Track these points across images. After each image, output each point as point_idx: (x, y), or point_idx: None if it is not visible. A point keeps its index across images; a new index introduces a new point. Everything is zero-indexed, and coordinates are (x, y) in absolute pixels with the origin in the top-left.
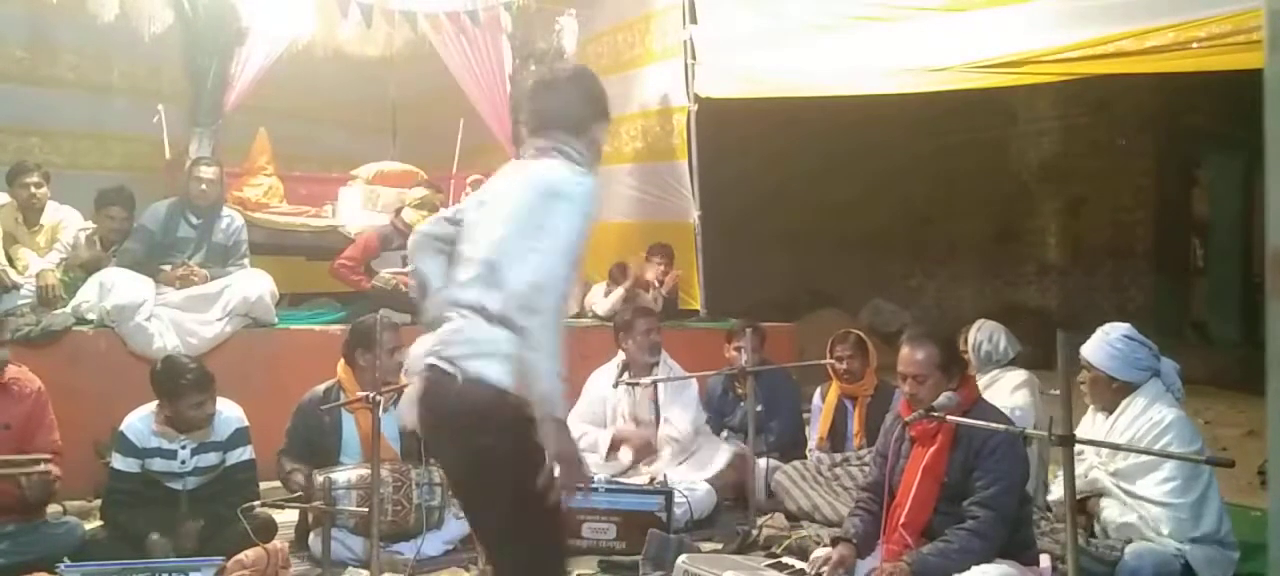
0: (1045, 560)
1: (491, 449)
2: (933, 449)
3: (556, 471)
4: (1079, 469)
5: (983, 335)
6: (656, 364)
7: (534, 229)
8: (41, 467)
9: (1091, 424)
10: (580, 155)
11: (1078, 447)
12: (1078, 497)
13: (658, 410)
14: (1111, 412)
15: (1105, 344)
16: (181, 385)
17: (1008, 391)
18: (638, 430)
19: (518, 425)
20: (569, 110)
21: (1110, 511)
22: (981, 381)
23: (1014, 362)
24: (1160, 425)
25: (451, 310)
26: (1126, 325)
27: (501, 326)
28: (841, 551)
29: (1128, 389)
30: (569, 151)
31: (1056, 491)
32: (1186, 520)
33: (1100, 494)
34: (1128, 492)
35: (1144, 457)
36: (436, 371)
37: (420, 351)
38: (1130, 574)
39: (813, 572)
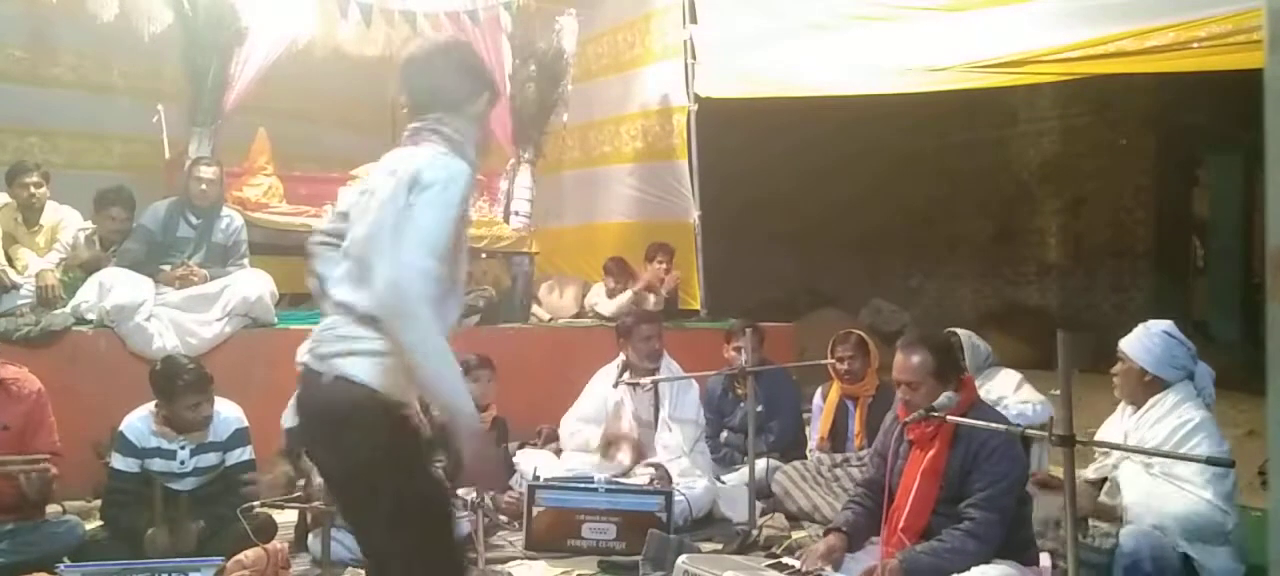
0: (1045, 558)
1: (358, 450)
2: (931, 452)
3: (473, 478)
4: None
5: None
6: (655, 369)
7: (397, 224)
8: (41, 465)
9: (1120, 418)
10: (459, 133)
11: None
12: (1096, 479)
13: (657, 409)
14: (1140, 407)
15: (1145, 337)
16: (178, 386)
17: (1011, 389)
18: (625, 430)
19: (387, 426)
20: (445, 86)
21: (1131, 492)
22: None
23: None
24: (1189, 424)
25: (328, 307)
26: (1168, 322)
27: (370, 326)
28: (831, 540)
29: (1159, 385)
30: (446, 132)
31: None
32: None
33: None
34: (1165, 473)
35: (1178, 446)
36: (306, 370)
37: (303, 346)
38: (1129, 560)
39: (803, 565)
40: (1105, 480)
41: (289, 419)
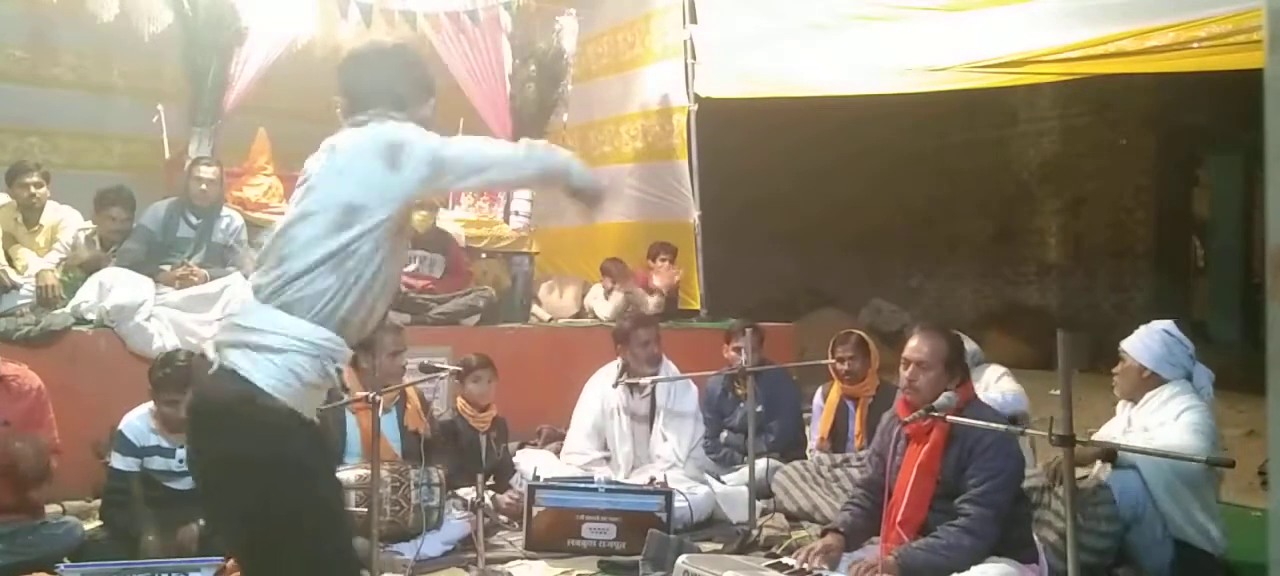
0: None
1: (231, 455)
2: (927, 447)
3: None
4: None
5: None
6: (655, 373)
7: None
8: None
9: (1119, 419)
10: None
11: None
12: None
13: (654, 409)
14: (1136, 402)
15: (1145, 335)
16: (169, 379)
17: (993, 381)
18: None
19: (267, 433)
20: (392, 86)
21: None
22: None
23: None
24: (1186, 410)
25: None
26: (1169, 321)
27: (280, 314)
28: (829, 540)
29: (1156, 381)
30: (394, 120)
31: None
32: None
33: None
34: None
35: (1166, 421)
36: (202, 361)
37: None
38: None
39: (800, 563)
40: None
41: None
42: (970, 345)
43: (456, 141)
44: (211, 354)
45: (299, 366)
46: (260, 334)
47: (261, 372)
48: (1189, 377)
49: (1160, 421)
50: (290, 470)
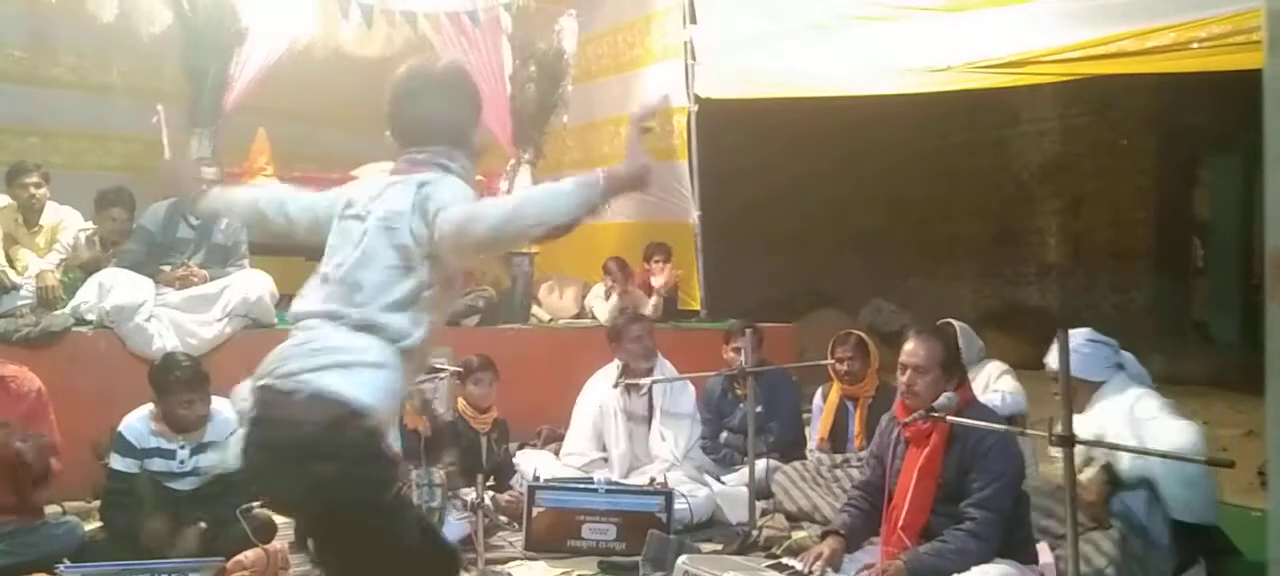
0: (1044, 552)
1: (331, 477)
2: (927, 450)
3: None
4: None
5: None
6: (650, 370)
7: (403, 246)
8: (41, 441)
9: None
10: (464, 171)
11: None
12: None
13: (651, 410)
14: (1083, 412)
15: (1075, 351)
16: (171, 380)
17: (994, 379)
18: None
19: (367, 451)
20: (448, 120)
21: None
22: None
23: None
24: (1145, 405)
25: (296, 325)
26: (1087, 329)
27: (367, 334)
28: (831, 544)
29: (1095, 386)
30: (455, 169)
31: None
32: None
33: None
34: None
35: (1154, 420)
36: (267, 392)
37: (244, 386)
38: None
39: (805, 568)
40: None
41: (232, 458)
42: (975, 339)
43: (491, 203)
44: (284, 386)
45: (394, 382)
46: (351, 353)
47: (362, 389)
48: (1121, 368)
49: (1122, 415)
50: (390, 490)
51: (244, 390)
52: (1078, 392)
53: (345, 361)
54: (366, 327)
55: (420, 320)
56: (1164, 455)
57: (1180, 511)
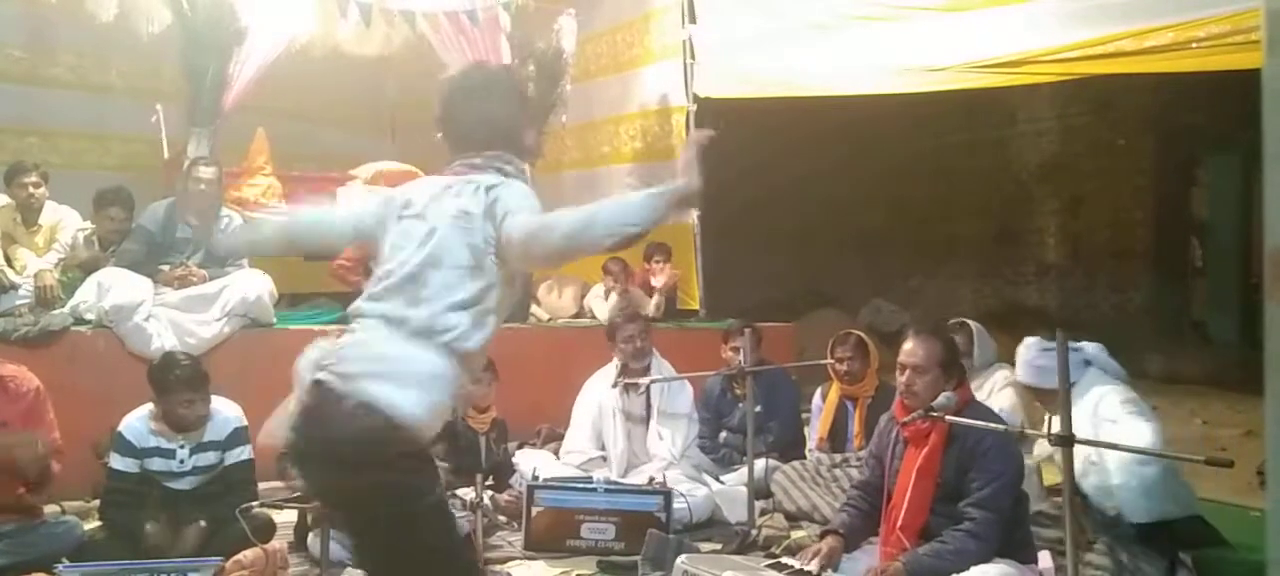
0: (1045, 558)
1: (367, 485)
2: (926, 450)
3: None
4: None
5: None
6: (645, 369)
7: (476, 244)
8: (38, 448)
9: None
10: (519, 173)
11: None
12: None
13: (649, 409)
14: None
15: (1030, 364)
16: (171, 380)
17: (997, 389)
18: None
19: (409, 462)
20: (508, 122)
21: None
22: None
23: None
24: (1109, 405)
25: (356, 321)
26: (1034, 338)
27: (423, 342)
28: (830, 543)
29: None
30: (508, 170)
31: None
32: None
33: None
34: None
35: (1114, 422)
36: (322, 388)
37: (308, 362)
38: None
39: (802, 565)
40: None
41: (282, 431)
42: (990, 344)
43: (565, 213)
44: (338, 387)
45: (441, 400)
46: (406, 365)
47: (410, 402)
48: (1088, 364)
49: (1087, 413)
50: (430, 497)
51: (308, 361)
52: (1048, 399)
53: (398, 371)
54: (426, 332)
55: (483, 322)
56: (1162, 455)
57: (1135, 513)
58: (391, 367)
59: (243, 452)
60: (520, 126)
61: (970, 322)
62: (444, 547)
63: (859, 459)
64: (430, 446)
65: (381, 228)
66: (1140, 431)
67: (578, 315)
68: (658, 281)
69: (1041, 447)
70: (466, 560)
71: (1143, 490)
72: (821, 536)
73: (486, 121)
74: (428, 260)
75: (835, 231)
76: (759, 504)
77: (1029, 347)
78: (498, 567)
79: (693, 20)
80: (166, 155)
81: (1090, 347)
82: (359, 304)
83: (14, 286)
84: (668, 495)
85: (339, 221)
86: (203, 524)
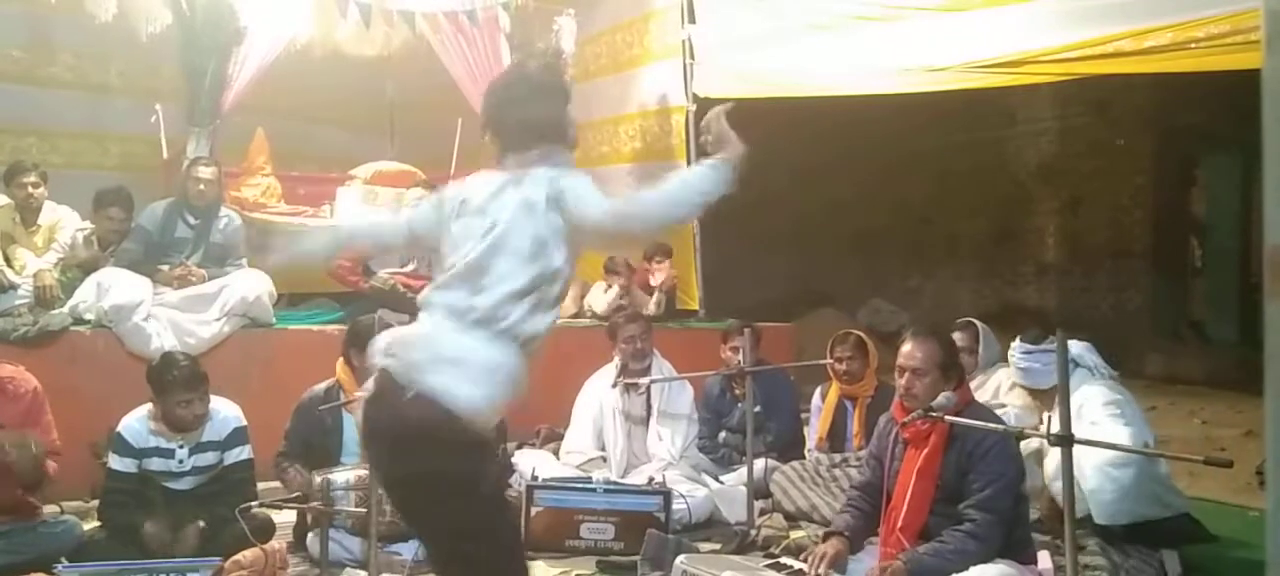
0: (1044, 558)
1: (426, 475)
2: (926, 451)
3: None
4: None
5: (965, 339)
6: (646, 369)
7: (538, 233)
8: (32, 449)
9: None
10: (568, 162)
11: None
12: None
13: (649, 409)
14: (1050, 409)
15: (1016, 365)
16: (169, 380)
17: (1005, 390)
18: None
19: (462, 455)
20: (557, 118)
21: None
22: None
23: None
24: (1091, 409)
25: (423, 310)
26: (1017, 341)
27: (483, 331)
28: (834, 544)
29: (1052, 391)
30: (561, 163)
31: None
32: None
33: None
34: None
35: (1095, 426)
36: (386, 376)
37: (379, 347)
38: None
39: (808, 568)
40: None
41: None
42: (994, 344)
43: (648, 196)
44: (401, 376)
45: (500, 394)
46: (467, 357)
47: (470, 393)
48: (1076, 365)
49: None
50: (486, 488)
51: (381, 343)
52: (1038, 398)
53: (460, 361)
54: (488, 321)
55: (544, 308)
56: (1161, 454)
57: (1103, 515)
58: (454, 356)
59: (242, 452)
60: (567, 120)
61: (976, 322)
62: (496, 537)
63: (858, 459)
64: (484, 436)
65: (439, 228)
66: (1118, 435)
67: (577, 315)
68: (656, 281)
69: (1025, 445)
70: (520, 556)
71: (1117, 493)
72: (825, 538)
73: (536, 120)
74: (490, 249)
75: (834, 231)
76: (758, 504)
77: (1014, 349)
78: None
79: (692, 20)
80: (166, 155)
81: (1077, 347)
82: (426, 293)
83: (13, 286)
84: (667, 495)
85: (419, 226)
86: (202, 524)
